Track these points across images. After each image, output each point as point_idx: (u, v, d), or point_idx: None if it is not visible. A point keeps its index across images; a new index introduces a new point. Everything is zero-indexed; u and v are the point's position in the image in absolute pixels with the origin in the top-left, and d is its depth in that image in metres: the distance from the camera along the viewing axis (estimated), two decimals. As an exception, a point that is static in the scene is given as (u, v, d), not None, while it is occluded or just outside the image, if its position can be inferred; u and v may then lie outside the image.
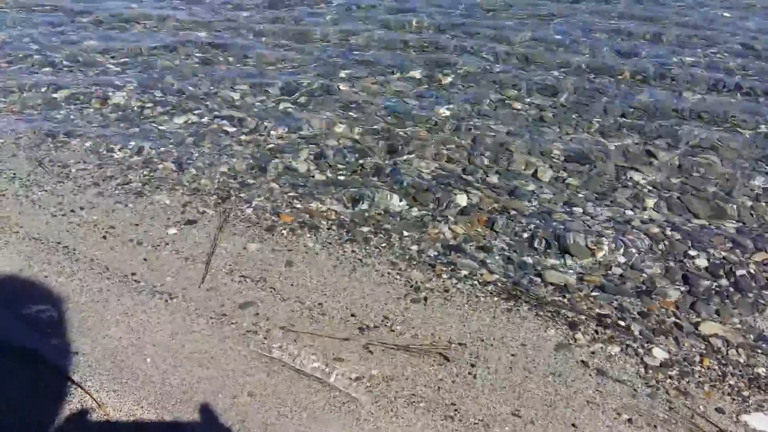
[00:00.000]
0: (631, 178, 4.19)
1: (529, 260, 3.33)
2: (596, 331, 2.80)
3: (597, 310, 2.94)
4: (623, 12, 8.01)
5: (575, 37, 7.01)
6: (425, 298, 2.96)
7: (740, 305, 3.05)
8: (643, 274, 3.24)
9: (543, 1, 8.35)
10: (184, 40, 6.24)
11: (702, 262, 3.38)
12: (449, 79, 5.66)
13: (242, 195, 3.78)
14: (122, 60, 5.69)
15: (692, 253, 3.44)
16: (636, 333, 2.81)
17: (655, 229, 3.61)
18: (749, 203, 3.98)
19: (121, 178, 3.85)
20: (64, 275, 2.99)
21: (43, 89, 4.99)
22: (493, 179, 4.08)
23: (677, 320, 2.92)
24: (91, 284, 2.94)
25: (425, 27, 7.09)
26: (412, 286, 3.04)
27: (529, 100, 5.30)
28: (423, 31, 6.96)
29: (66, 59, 5.60)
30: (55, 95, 4.93)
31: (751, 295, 3.11)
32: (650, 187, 4.08)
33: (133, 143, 4.25)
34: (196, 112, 4.79)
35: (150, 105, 4.82)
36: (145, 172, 3.92)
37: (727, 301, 3.07)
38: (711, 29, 7.45)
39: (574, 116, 5.03)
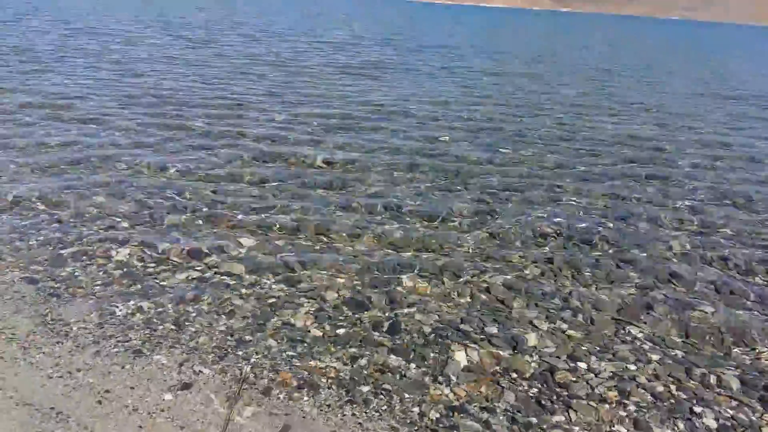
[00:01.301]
0: (629, 331, 4.21)
1: (534, 419, 3.26)
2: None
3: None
4: (604, 167, 8.46)
5: (568, 190, 7.35)
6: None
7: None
8: (652, 436, 3.18)
9: (544, 156, 8.84)
10: (191, 195, 6.49)
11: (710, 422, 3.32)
12: (443, 230, 5.84)
13: (239, 353, 3.75)
14: (129, 215, 5.87)
15: (697, 410, 3.39)
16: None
17: (660, 387, 3.58)
18: (748, 360, 3.98)
19: (121, 337, 3.85)
20: (55, 446, 2.90)
21: (50, 247, 5.10)
22: (492, 329, 4.09)
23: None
24: (83, 455, 2.84)
25: (420, 177, 7.44)
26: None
27: (524, 252, 5.45)
28: (417, 180, 7.30)
29: (73, 216, 5.77)
30: (61, 251, 5.03)
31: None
32: (649, 343, 4.08)
33: (133, 302, 4.28)
34: (198, 267, 4.87)
35: (153, 262, 4.92)
36: (145, 332, 3.92)
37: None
38: (700, 179, 7.84)
39: (568, 270, 5.16)
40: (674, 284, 4.98)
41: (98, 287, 4.49)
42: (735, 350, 4.04)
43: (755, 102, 16.43)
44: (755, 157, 9.69)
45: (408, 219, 6.17)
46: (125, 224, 5.67)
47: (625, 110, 13.58)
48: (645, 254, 5.58)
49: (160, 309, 4.21)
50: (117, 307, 4.22)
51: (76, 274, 4.69)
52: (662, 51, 39.70)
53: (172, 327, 4.00)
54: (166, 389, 3.36)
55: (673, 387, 3.60)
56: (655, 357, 3.91)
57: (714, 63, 31.25)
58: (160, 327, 3.99)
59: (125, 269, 4.77)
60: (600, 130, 11.14)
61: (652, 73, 22.67)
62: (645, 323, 4.33)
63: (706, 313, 4.51)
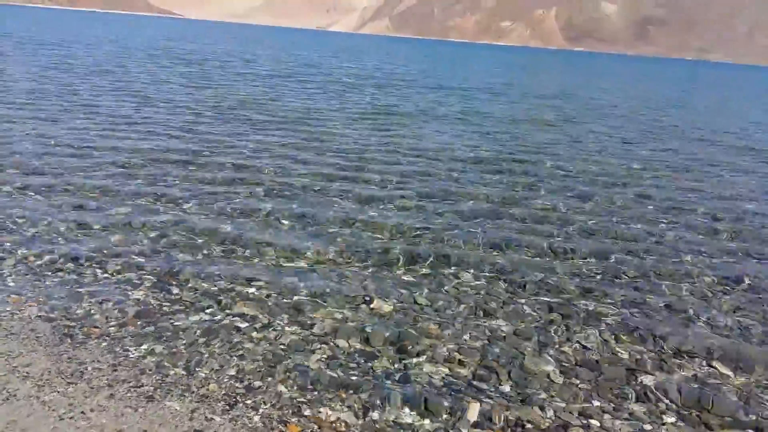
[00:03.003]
0: (643, 383, 4.17)
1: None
2: None
3: None
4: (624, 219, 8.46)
5: (582, 238, 7.35)
6: None
7: None
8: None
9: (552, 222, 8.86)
10: (206, 232, 6.57)
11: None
12: (455, 276, 5.85)
13: (248, 401, 3.74)
14: (147, 254, 5.93)
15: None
16: None
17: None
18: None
19: (133, 381, 3.86)
20: (63, 494, 2.89)
21: (68, 286, 5.16)
22: (506, 387, 4.06)
23: None
24: (91, 504, 2.83)
25: (430, 227, 7.47)
26: None
27: (536, 299, 5.44)
28: (430, 228, 7.34)
29: (90, 253, 5.85)
30: (78, 290, 5.09)
31: None
32: (667, 401, 4.03)
33: (146, 345, 4.30)
34: (208, 310, 4.88)
35: (168, 303, 4.95)
36: (157, 377, 3.93)
37: None
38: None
39: (582, 315, 5.14)
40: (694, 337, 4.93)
41: (113, 328, 4.51)
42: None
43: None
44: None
45: (414, 257, 6.20)
46: (142, 260, 5.72)
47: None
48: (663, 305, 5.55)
49: (172, 352, 4.22)
50: (130, 350, 4.23)
51: (92, 312, 4.72)
52: (691, 93, 39.90)
53: (183, 373, 4.00)
54: (176, 435, 3.36)
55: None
56: (670, 418, 3.84)
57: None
58: (172, 372, 4.00)
59: (141, 307, 4.80)
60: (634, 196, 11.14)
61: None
62: (661, 377, 4.28)
63: (726, 373, 4.44)
